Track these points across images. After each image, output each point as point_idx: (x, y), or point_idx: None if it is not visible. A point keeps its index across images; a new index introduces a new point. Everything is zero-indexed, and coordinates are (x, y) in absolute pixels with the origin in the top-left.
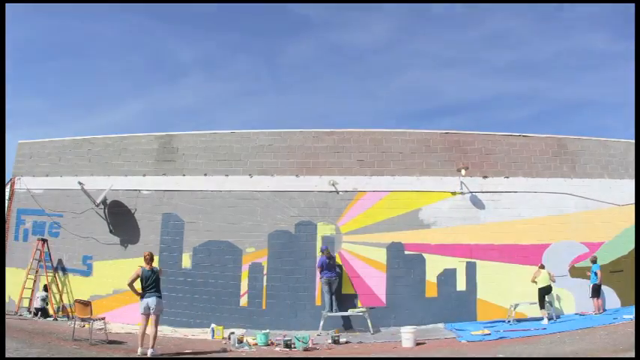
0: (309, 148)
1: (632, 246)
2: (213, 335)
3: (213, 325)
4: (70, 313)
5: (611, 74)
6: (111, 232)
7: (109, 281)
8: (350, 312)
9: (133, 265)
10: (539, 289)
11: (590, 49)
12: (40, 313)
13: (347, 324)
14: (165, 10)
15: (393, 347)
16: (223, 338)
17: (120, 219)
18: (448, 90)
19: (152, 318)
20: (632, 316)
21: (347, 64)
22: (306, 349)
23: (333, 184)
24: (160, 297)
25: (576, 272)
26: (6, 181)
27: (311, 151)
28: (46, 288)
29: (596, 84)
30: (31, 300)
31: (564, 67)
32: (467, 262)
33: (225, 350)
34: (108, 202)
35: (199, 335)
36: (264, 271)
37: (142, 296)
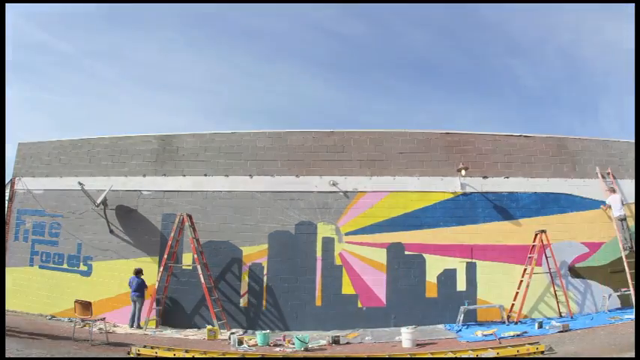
0: (309, 148)
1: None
2: (211, 336)
3: (215, 325)
4: None
5: None
6: (111, 232)
7: (109, 282)
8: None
9: (133, 265)
10: None
11: None
12: None
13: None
14: None
15: (393, 346)
16: (218, 338)
17: (120, 219)
18: None
19: None
20: (632, 316)
21: None
22: (306, 349)
23: (334, 185)
24: None
25: (576, 272)
26: (6, 182)
27: (311, 151)
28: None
29: None
30: None
31: None
32: (467, 263)
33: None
34: (108, 202)
35: (199, 335)
36: (264, 271)
37: None
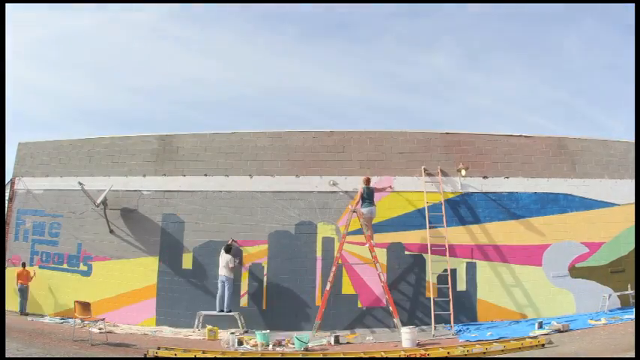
0: (310, 148)
1: (632, 246)
2: (211, 336)
3: (217, 326)
4: None
5: None
6: (111, 232)
7: (109, 282)
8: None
9: (133, 265)
10: None
11: None
12: None
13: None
14: None
15: (394, 346)
16: (218, 338)
17: (120, 219)
18: None
19: None
20: (632, 316)
21: None
22: (306, 349)
23: (334, 185)
24: None
25: (576, 272)
26: (6, 182)
27: (311, 151)
28: None
29: None
30: None
31: None
32: (467, 262)
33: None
34: (108, 202)
35: (199, 336)
36: (264, 272)
37: None
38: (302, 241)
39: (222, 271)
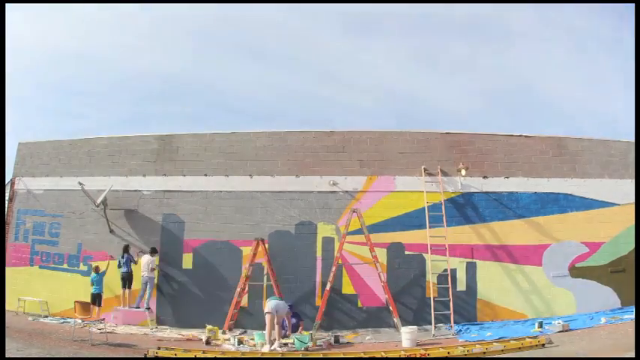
0: (310, 148)
1: (632, 246)
2: (211, 336)
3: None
4: None
5: None
6: (111, 232)
7: (109, 282)
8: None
9: (132, 266)
10: None
11: None
12: None
13: None
14: None
15: (394, 346)
16: (219, 338)
17: (120, 219)
18: None
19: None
20: (632, 316)
21: None
22: (306, 349)
23: (334, 185)
24: None
25: (576, 272)
26: (6, 182)
27: (311, 151)
28: None
29: None
30: None
31: None
32: (467, 262)
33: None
34: (108, 202)
35: (199, 336)
36: (264, 271)
37: None
38: (302, 241)
39: (145, 272)
